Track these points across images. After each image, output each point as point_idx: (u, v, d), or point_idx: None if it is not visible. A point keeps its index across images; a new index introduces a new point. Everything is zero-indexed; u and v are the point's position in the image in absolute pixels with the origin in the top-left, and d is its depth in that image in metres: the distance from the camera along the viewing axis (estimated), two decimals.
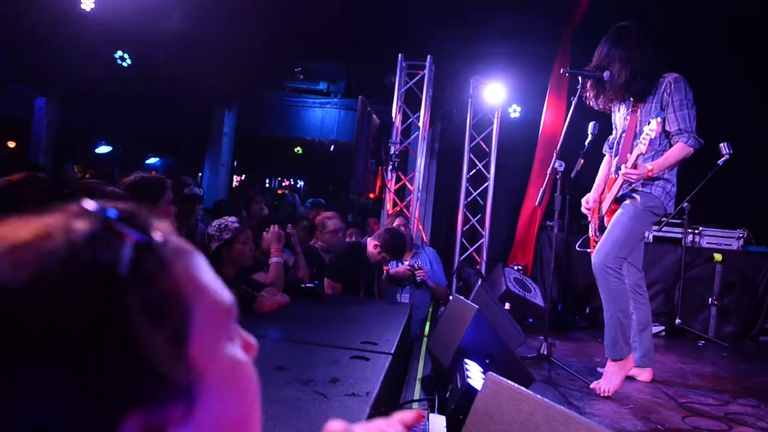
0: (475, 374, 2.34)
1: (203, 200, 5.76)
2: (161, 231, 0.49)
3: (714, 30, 6.17)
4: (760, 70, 6.23)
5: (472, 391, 2.15)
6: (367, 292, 4.24)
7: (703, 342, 5.39)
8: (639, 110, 3.42)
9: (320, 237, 4.70)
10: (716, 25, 6.17)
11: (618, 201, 3.45)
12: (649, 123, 3.15)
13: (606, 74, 3.31)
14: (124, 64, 8.92)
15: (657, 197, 3.36)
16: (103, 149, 12.28)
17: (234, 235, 3.16)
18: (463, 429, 1.46)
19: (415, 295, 4.92)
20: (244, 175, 17.97)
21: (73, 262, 0.43)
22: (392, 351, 2.41)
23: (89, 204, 0.48)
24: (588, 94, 3.52)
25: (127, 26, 7.67)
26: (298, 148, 13.89)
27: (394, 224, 5.33)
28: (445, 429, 2.13)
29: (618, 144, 3.54)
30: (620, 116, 3.57)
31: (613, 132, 3.71)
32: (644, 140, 3.15)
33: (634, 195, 3.38)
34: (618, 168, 3.42)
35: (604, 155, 3.78)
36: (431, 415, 2.31)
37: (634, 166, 3.23)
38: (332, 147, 12.46)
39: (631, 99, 3.43)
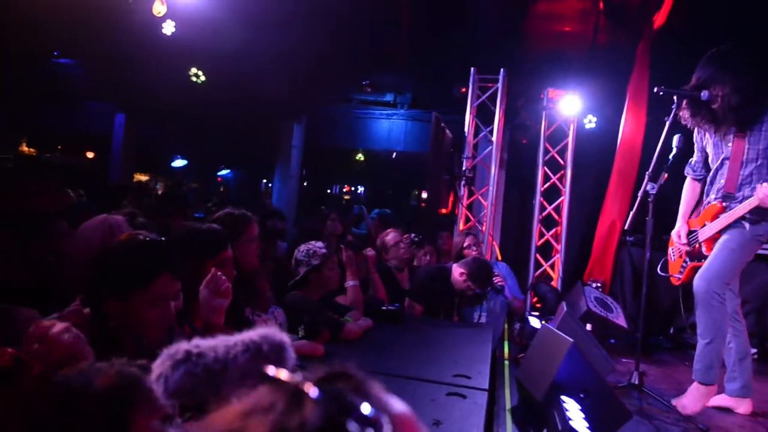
0: (574, 414, 2.28)
1: (285, 234, 5.86)
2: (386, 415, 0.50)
3: None
4: None
5: None
6: (446, 315, 4.22)
7: None
8: (747, 137, 3.27)
9: (387, 257, 4.68)
10: None
11: (733, 228, 3.34)
12: None
13: (704, 94, 3.20)
14: (198, 81, 9.29)
15: (766, 224, 3.24)
16: (179, 163, 12.82)
17: (322, 262, 3.21)
18: None
19: (490, 315, 4.85)
20: (306, 183, 18.34)
21: None
22: (487, 386, 2.38)
23: (312, 390, 0.49)
24: (683, 113, 3.41)
25: (201, 44, 7.98)
26: (360, 156, 14.05)
27: (465, 243, 5.27)
28: None
29: (718, 171, 3.42)
30: (719, 141, 3.43)
31: (696, 155, 3.61)
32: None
33: (743, 222, 3.27)
34: (726, 196, 3.32)
35: (686, 177, 3.66)
36: None
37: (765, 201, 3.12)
38: (394, 154, 12.52)
39: (733, 124, 3.30)
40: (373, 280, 4.16)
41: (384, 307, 3.70)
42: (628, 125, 6.05)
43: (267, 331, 1.02)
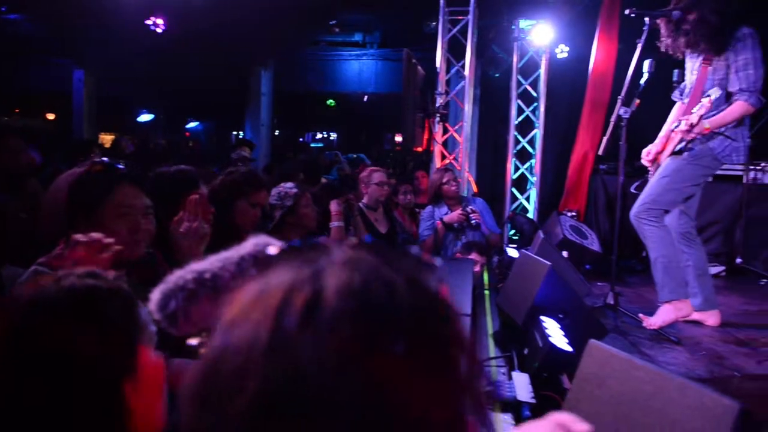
0: (554, 332, 2.36)
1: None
2: None
3: None
4: None
5: (556, 350, 2.18)
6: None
7: (765, 281, 5.28)
8: (713, 65, 3.28)
9: (365, 190, 4.61)
10: None
11: (675, 154, 3.40)
12: (712, 89, 3.17)
13: (676, 14, 3.17)
14: (158, 30, 8.92)
15: (711, 149, 3.32)
16: (145, 117, 12.47)
17: (295, 201, 3.22)
18: (566, 399, 1.48)
19: None
20: (277, 131, 18.08)
21: None
22: (469, 312, 2.45)
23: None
24: (662, 38, 3.39)
25: None
26: (331, 101, 13.82)
27: (444, 179, 5.29)
28: (530, 386, 2.18)
29: (688, 95, 3.45)
30: (691, 67, 3.44)
31: (686, 79, 3.59)
32: (705, 105, 3.12)
33: (688, 148, 3.34)
34: (680, 123, 3.36)
35: (673, 101, 3.66)
36: (513, 373, 2.36)
37: (693, 125, 3.16)
38: (366, 98, 12.34)
39: (707, 49, 3.29)
40: (356, 222, 4.17)
41: None
42: (600, 53, 6.03)
43: (257, 240, 1.02)
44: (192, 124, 13.67)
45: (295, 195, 3.29)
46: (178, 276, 0.99)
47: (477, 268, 4.21)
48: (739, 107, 3.20)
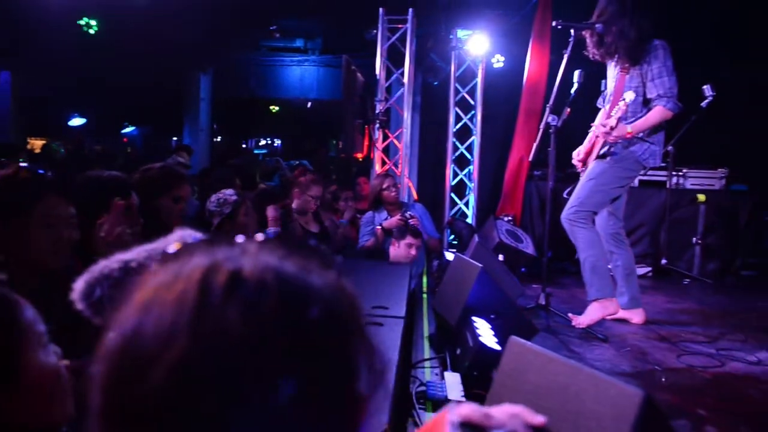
0: (484, 331, 2.43)
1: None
2: None
3: None
4: (740, 10, 6.24)
5: (485, 349, 2.24)
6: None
7: (688, 280, 5.59)
8: (630, 73, 3.49)
9: (298, 196, 4.57)
10: None
11: (600, 158, 3.58)
12: (627, 92, 3.34)
13: (599, 27, 3.36)
14: (91, 31, 8.60)
15: (633, 152, 3.52)
16: (76, 121, 11.95)
17: (234, 208, 3.17)
18: (489, 393, 1.52)
19: None
20: (219, 138, 17.74)
21: None
22: (404, 314, 2.48)
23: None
24: (588, 47, 3.58)
25: None
26: (274, 107, 13.68)
27: (384, 185, 5.33)
28: (461, 385, 2.23)
29: (609, 101, 3.63)
30: (611, 74, 3.64)
31: (607, 86, 3.79)
32: (621, 108, 3.31)
33: (611, 152, 3.52)
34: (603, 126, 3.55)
35: (599, 108, 3.84)
36: (446, 373, 2.41)
37: (612, 128, 3.34)
38: (309, 104, 12.30)
39: (625, 59, 3.50)
40: (293, 228, 4.15)
41: None
42: (533, 63, 6.24)
43: (182, 233, 1.01)
44: (128, 129, 13.22)
45: (235, 202, 3.24)
46: (103, 265, 0.99)
47: (413, 251, 4.28)
48: (658, 112, 3.41)
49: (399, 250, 4.41)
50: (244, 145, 19.45)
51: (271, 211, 3.59)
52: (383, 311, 2.53)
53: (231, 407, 0.48)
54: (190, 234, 1.03)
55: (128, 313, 0.53)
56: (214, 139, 17.08)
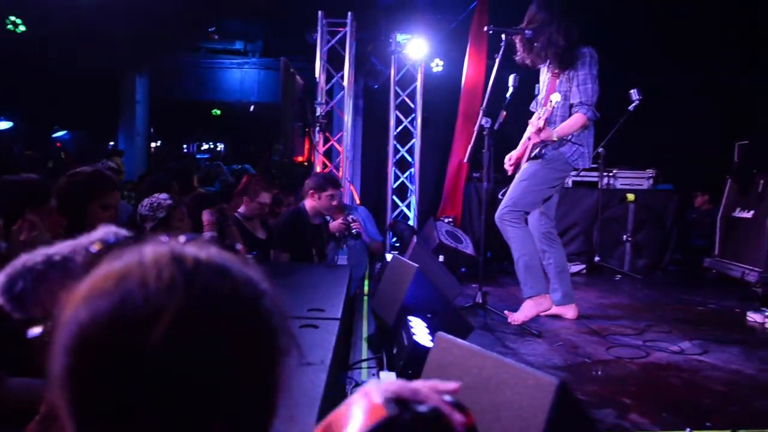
0: (419, 330, 2.46)
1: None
2: None
3: None
4: (663, 20, 6.58)
5: (419, 347, 2.27)
6: (319, 256, 4.28)
7: (619, 276, 5.83)
8: (560, 78, 3.62)
9: (247, 203, 4.52)
10: None
11: (532, 159, 3.70)
12: (553, 95, 3.48)
13: (528, 33, 3.47)
14: (18, 30, 8.20)
15: (563, 154, 3.66)
16: (2, 125, 11.36)
17: (169, 213, 3.09)
18: None
19: (352, 255, 5.01)
20: (159, 142, 17.25)
21: None
22: (339, 316, 2.49)
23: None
24: (518, 52, 3.69)
25: None
26: (216, 110, 13.43)
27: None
28: None
29: (541, 105, 3.76)
30: (543, 78, 3.78)
31: (540, 90, 3.91)
32: (548, 109, 3.45)
33: (542, 153, 3.65)
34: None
35: (533, 112, 3.97)
36: (381, 373, 2.42)
37: (540, 130, 3.46)
38: (252, 108, 12.13)
39: (555, 65, 3.63)
40: (231, 232, 4.07)
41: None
42: (471, 67, 6.39)
43: (107, 229, 1.01)
44: (60, 133, 12.65)
45: (169, 207, 3.15)
46: (25, 259, 0.97)
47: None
48: (578, 119, 3.58)
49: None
50: (185, 150, 18.98)
51: (206, 216, 3.51)
52: (319, 314, 2.53)
53: (221, 347, 0.58)
54: (113, 231, 1.03)
55: (94, 298, 0.59)
56: (154, 144, 16.61)
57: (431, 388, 0.82)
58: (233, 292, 0.62)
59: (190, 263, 0.61)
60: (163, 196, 3.22)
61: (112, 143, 12.90)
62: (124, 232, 1.11)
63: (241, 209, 4.43)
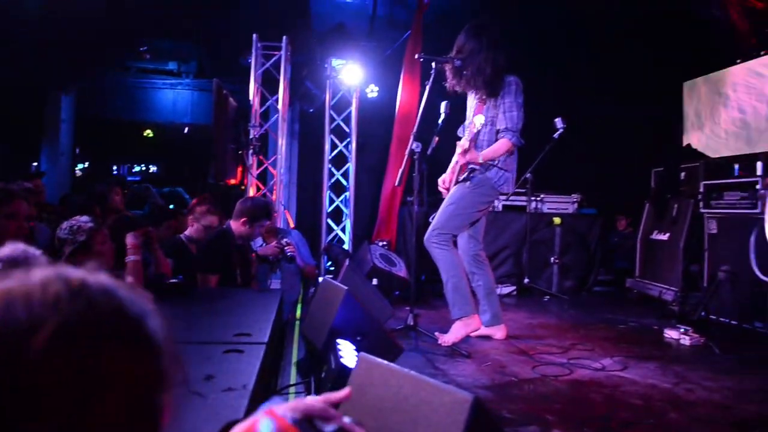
0: (347, 353, 2.44)
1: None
2: None
3: (554, 13, 6.77)
4: (590, 52, 6.97)
5: (346, 369, 2.26)
6: (244, 277, 4.18)
7: (548, 297, 6.03)
8: (487, 104, 3.77)
9: (193, 224, 4.41)
10: (557, 10, 6.76)
11: (460, 183, 3.82)
12: (476, 117, 3.61)
13: (458, 62, 3.60)
14: None
15: (489, 179, 3.80)
16: None
17: (89, 236, 2.96)
18: (338, 409, 1.54)
19: (286, 279, 4.95)
20: (87, 163, 16.58)
21: None
22: (266, 340, 2.44)
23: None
24: (448, 79, 3.80)
25: None
26: (148, 131, 13.05)
27: None
28: None
29: (467, 129, 3.88)
30: (470, 104, 3.91)
31: (467, 116, 4.04)
32: (472, 130, 3.59)
33: (469, 177, 3.77)
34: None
35: (461, 138, 4.08)
36: (309, 397, 2.39)
37: (466, 151, 3.59)
38: (186, 129, 11.88)
39: (483, 92, 3.77)
40: (156, 257, 3.94)
41: (166, 281, 3.55)
42: (405, 93, 6.52)
43: (15, 246, 0.97)
44: None
45: (90, 230, 3.02)
46: None
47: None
48: (503, 144, 3.71)
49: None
50: (115, 171, 18.30)
51: (130, 239, 3.38)
52: (246, 338, 2.47)
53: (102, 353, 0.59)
54: (21, 248, 0.99)
55: None
56: (81, 165, 15.91)
57: (324, 401, 0.84)
58: (117, 310, 0.63)
59: (77, 283, 0.62)
60: (84, 218, 3.09)
61: (35, 163, 12.26)
62: (33, 250, 1.08)
63: (188, 231, 4.36)
